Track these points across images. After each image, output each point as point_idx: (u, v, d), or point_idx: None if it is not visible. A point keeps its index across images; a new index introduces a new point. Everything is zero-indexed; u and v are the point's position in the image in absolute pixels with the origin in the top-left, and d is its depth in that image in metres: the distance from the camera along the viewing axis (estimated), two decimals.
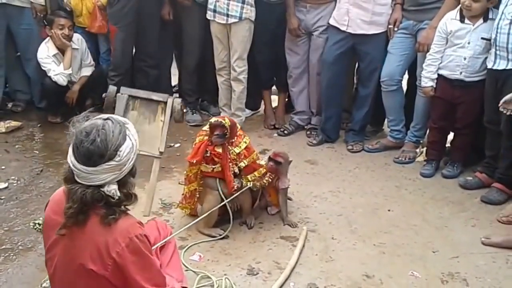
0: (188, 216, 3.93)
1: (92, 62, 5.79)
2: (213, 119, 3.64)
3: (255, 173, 3.79)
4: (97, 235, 2.09)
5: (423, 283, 3.31)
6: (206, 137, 3.67)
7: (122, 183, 2.14)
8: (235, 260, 3.48)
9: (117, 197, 2.10)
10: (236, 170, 3.70)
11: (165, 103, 4.13)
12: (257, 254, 3.56)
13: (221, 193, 3.70)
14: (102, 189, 2.07)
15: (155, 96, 4.17)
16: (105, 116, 2.17)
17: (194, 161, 3.66)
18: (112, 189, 2.08)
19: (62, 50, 5.52)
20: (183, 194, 3.87)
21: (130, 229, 2.11)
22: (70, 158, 2.08)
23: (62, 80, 5.46)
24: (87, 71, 5.75)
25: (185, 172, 3.84)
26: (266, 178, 3.83)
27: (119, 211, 2.14)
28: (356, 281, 3.31)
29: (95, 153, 2.03)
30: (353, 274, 3.36)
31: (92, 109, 5.73)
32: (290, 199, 4.17)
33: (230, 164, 3.66)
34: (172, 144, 5.32)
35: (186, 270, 3.27)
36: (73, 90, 5.64)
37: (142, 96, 4.19)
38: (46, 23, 5.55)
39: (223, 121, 3.60)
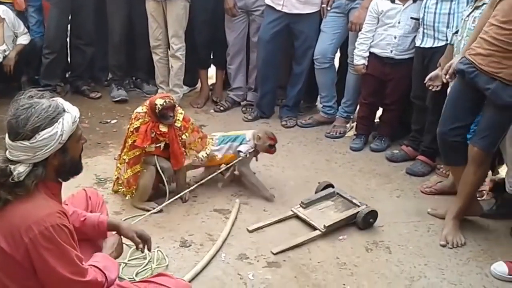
0: (122, 192, 3.92)
1: (26, 30, 5.55)
2: (161, 101, 3.64)
3: (197, 140, 3.90)
4: (13, 217, 2.05)
5: (349, 251, 3.45)
6: (148, 119, 3.69)
7: (32, 171, 2.07)
8: (168, 232, 3.53)
9: (16, 179, 2.03)
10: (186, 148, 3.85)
11: None
12: (190, 226, 3.63)
13: (159, 168, 3.77)
14: (11, 166, 2.03)
15: None
16: (53, 98, 2.13)
17: (146, 145, 3.69)
18: (18, 170, 2.02)
19: None
20: (125, 179, 3.80)
21: (46, 218, 2.03)
22: None
23: None
24: (23, 39, 5.53)
25: (125, 157, 3.78)
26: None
27: (13, 195, 2.06)
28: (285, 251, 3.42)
29: (13, 128, 2.03)
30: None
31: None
32: (222, 174, 4.19)
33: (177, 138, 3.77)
34: (108, 120, 5.33)
35: None
36: (9, 57, 5.40)
37: None
38: None
39: (172, 101, 3.68)
